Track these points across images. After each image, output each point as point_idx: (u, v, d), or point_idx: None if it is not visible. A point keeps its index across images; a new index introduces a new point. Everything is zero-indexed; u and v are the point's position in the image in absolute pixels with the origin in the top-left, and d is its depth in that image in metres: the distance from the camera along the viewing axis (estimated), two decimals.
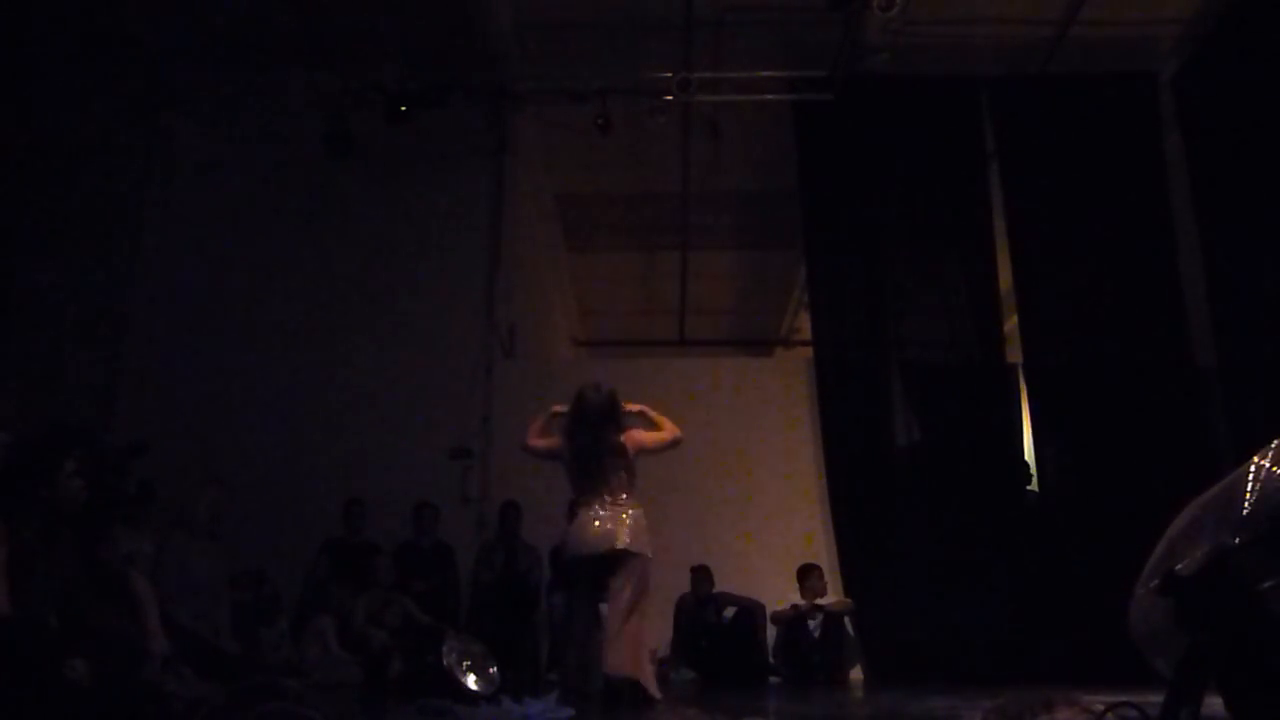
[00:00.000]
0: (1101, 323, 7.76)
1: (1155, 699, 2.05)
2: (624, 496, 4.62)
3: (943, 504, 7.52)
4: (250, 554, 6.64)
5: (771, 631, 7.60)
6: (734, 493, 7.95)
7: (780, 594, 7.65)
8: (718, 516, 7.86)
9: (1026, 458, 7.90)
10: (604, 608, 4.58)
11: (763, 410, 8.37)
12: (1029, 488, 7.84)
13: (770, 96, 8.10)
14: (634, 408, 4.76)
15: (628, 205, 10.11)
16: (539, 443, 4.84)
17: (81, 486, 3.75)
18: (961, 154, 8.19)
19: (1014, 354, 8.16)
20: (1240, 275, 7.07)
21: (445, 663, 4.92)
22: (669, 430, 4.72)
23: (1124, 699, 2.33)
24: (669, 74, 7.66)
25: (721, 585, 7.68)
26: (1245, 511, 1.85)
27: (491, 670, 5.12)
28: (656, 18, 7.51)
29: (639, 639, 4.50)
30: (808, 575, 7.53)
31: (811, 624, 7.48)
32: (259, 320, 7.92)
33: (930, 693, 5.69)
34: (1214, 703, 1.98)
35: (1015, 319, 8.04)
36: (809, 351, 8.73)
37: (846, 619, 7.46)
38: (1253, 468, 1.91)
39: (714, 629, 7.52)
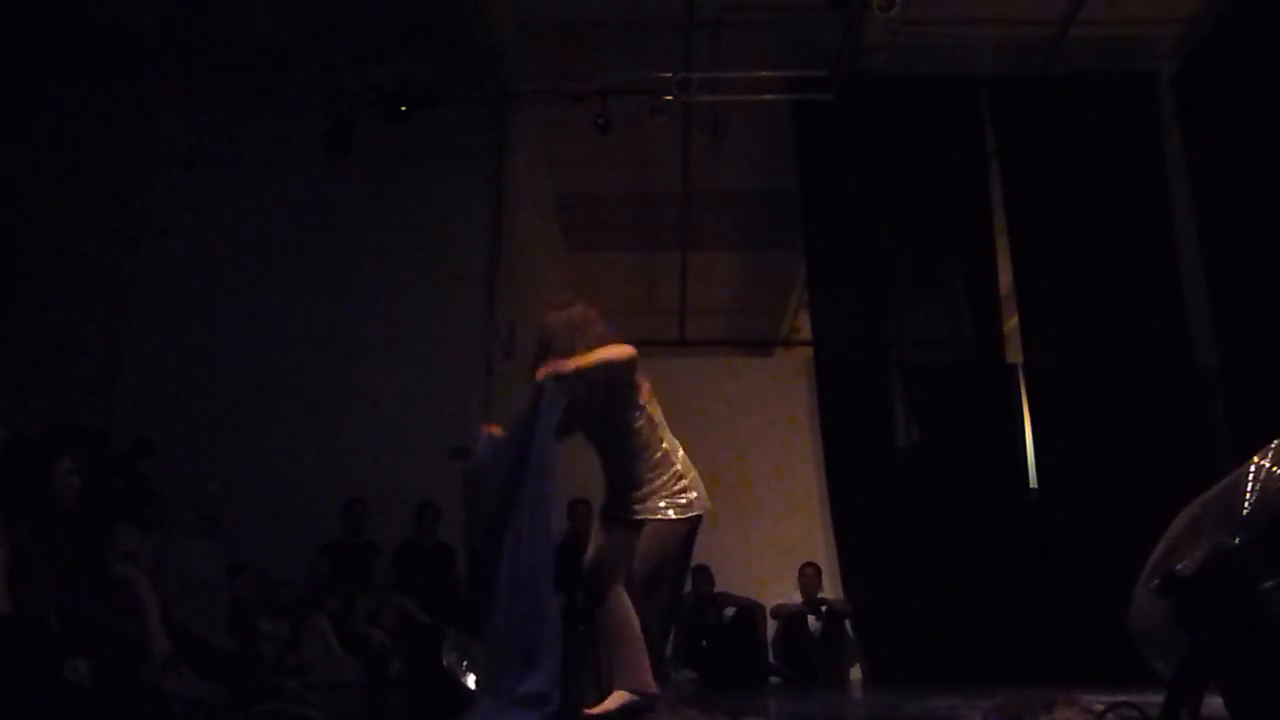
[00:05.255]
0: (1101, 323, 7.76)
1: (1155, 699, 2.05)
2: None
3: (943, 504, 7.52)
4: (250, 554, 6.65)
5: (771, 629, 7.61)
6: (734, 493, 7.95)
7: (780, 594, 7.67)
8: (718, 516, 7.85)
9: (1026, 458, 7.91)
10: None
11: (763, 410, 8.37)
12: (1031, 486, 7.86)
13: (770, 96, 8.09)
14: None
15: (628, 205, 10.10)
16: None
17: (78, 485, 3.76)
18: (961, 154, 8.19)
19: (1014, 354, 8.17)
20: (1240, 275, 7.06)
21: (445, 663, 4.92)
22: None
23: (1124, 699, 2.33)
24: (669, 74, 7.65)
25: (721, 585, 7.68)
26: (1245, 511, 1.86)
27: None
28: (656, 18, 7.51)
29: None
30: (805, 574, 7.56)
31: (812, 623, 7.50)
32: (259, 320, 7.91)
33: (930, 693, 5.70)
34: (1214, 703, 1.98)
35: (1015, 319, 8.04)
36: (809, 351, 8.72)
37: (846, 620, 7.48)
38: (1253, 468, 1.92)
39: (714, 629, 7.54)
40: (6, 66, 6.77)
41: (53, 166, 7.29)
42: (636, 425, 3.71)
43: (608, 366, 3.58)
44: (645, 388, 3.77)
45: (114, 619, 3.85)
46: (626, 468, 3.75)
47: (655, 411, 3.79)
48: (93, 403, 7.55)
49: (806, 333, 9.37)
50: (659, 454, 3.74)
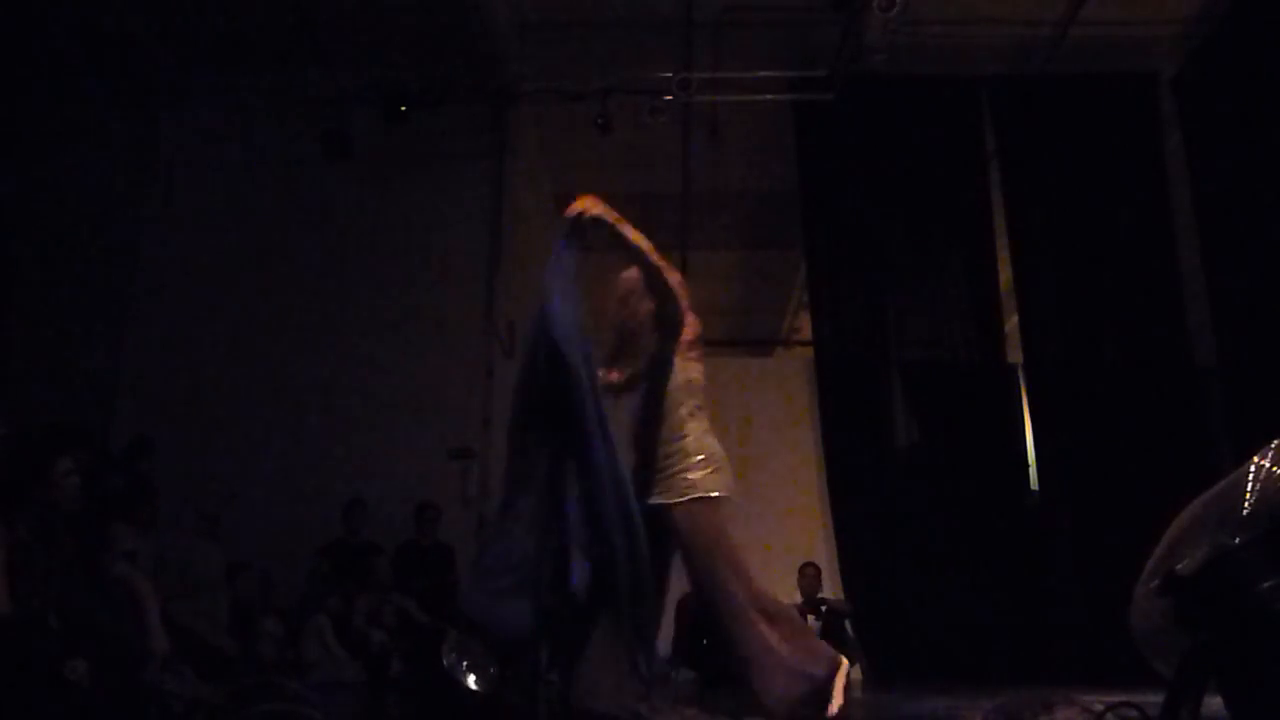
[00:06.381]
0: (1101, 323, 7.77)
1: (1155, 699, 2.05)
2: None
3: (943, 504, 7.52)
4: (250, 554, 6.65)
5: None
6: (734, 493, 7.94)
7: (780, 594, 7.66)
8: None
9: (1027, 458, 7.91)
10: None
11: (763, 410, 8.36)
12: (1031, 487, 7.85)
13: (770, 96, 8.09)
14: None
15: (628, 205, 10.07)
16: None
17: (78, 485, 3.75)
18: (961, 154, 8.19)
19: (1014, 354, 8.17)
20: (1240, 275, 7.07)
21: (445, 663, 4.91)
22: None
23: (1124, 699, 2.33)
24: (669, 74, 7.66)
25: None
26: (1245, 511, 1.86)
27: (491, 670, 5.11)
28: (656, 18, 7.51)
29: None
30: (805, 574, 7.54)
31: (812, 623, 7.49)
32: (259, 320, 7.91)
33: (930, 693, 5.70)
34: (1214, 703, 1.98)
35: (1015, 319, 8.04)
36: (809, 351, 8.72)
37: (846, 620, 7.47)
38: (1253, 468, 1.92)
39: (714, 629, 7.52)
40: (7, 68, 6.77)
41: (54, 167, 7.28)
42: (673, 375, 3.51)
43: (654, 268, 3.50)
44: (693, 326, 3.55)
45: (114, 619, 3.85)
46: (651, 436, 3.50)
47: (697, 372, 3.58)
48: (93, 403, 7.55)
49: (806, 333, 9.36)
50: (684, 421, 3.52)
